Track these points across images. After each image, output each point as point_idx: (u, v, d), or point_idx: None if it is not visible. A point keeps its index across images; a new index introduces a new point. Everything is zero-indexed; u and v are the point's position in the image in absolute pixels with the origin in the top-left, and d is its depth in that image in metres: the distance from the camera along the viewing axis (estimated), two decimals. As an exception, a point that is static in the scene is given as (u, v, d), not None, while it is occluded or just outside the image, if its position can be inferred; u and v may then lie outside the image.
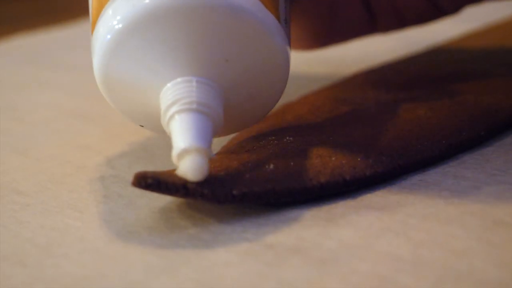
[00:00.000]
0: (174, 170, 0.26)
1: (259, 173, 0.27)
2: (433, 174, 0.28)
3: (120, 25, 0.26)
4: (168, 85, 0.27)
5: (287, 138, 0.30)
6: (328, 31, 0.35)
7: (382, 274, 0.23)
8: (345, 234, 0.25)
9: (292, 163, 0.28)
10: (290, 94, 0.34)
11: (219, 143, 0.32)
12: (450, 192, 0.27)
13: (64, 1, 0.69)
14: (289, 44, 0.28)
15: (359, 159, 0.28)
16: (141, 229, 0.26)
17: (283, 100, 0.31)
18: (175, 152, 0.25)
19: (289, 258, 0.24)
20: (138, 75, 0.27)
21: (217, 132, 0.26)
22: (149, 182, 0.26)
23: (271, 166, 0.27)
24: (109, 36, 0.27)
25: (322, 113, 0.33)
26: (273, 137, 0.30)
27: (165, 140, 0.33)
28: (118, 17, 0.26)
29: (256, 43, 0.27)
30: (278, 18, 0.27)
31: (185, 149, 0.25)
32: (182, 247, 0.25)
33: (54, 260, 0.25)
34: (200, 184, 0.26)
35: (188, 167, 0.25)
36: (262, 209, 0.27)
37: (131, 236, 0.26)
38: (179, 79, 0.26)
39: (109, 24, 0.27)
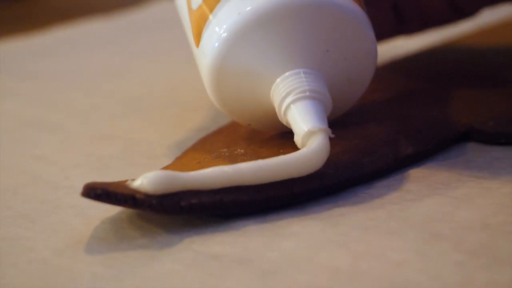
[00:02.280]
0: (125, 181, 0.27)
1: (208, 185, 0.28)
2: (378, 187, 0.29)
3: (226, 33, 0.29)
4: (278, 80, 0.29)
5: (238, 150, 0.31)
6: None
7: (320, 286, 0.23)
8: (288, 245, 0.25)
9: (240, 176, 0.28)
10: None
11: (174, 154, 0.32)
12: (393, 205, 0.27)
13: (27, 10, 0.69)
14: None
15: (307, 172, 0.29)
16: (90, 239, 0.27)
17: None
18: (299, 136, 0.28)
19: (233, 269, 0.24)
20: (247, 76, 0.29)
21: (328, 114, 0.29)
22: (98, 192, 0.26)
23: (220, 178, 0.28)
24: (217, 44, 0.29)
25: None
26: (225, 149, 0.31)
27: (121, 151, 0.34)
28: (225, 26, 0.29)
29: (351, 33, 0.29)
30: (364, 10, 0.30)
31: (310, 130, 0.27)
32: (129, 257, 0.26)
33: (1, 270, 0.25)
34: (148, 195, 0.26)
35: (317, 146, 0.27)
36: (210, 220, 0.27)
37: (80, 246, 0.26)
38: (287, 73, 0.29)
39: (216, 33, 0.29)
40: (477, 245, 0.24)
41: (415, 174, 0.30)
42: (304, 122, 0.28)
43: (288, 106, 0.28)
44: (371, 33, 0.30)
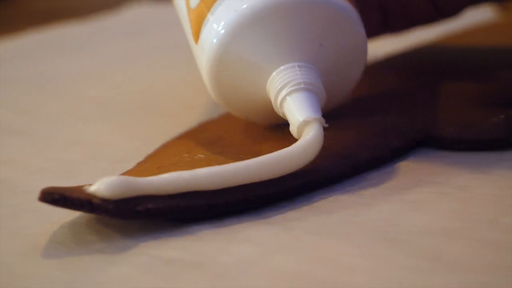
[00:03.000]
0: (83, 186, 0.27)
1: (165, 190, 0.28)
2: (335, 192, 0.29)
3: (224, 30, 0.30)
4: (274, 73, 0.30)
5: (199, 155, 0.31)
6: None
7: (270, 290, 0.24)
8: (243, 250, 0.26)
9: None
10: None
11: (141, 159, 0.32)
12: (347, 209, 0.28)
13: (1, 13, 0.70)
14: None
15: (265, 177, 0.29)
16: (49, 243, 0.27)
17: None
18: (294, 126, 0.29)
19: (186, 274, 0.25)
20: (244, 71, 0.31)
21: (322, 105, 0.30)
22: (55, 197, 0.27)
23: (178, 183, 0.28)
24: (215, 40, 0.30)
25: (237, 131, 0.34)
26: (186, 154, 0.31)
27: (89, 155, 0.34)
28: (222, 23, 0.30)
29: (342, 29, 0.31)
30: (355, 8, 0.32)
31: (305, 120, 0.29)
32: (85, 261, 0.26)
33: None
34: (104, 199, 0.26)
35: (312, 135, 0.28)
36: (167, 224, 0.27)
37: (37, 250, 0.27)
38: (282, 67, 0.30)
39: (214, 30, 0.30)
40: (427, 250, 0.25)
41: (372, 178, 0.30)
42: (299, 112, 0.29)
43: (284, 98, 0.30)
44: (361, 30, 0.31)
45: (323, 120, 0.29)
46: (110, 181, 0.27)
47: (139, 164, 0.32)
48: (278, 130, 0.33)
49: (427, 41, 0.45)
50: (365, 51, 0.32)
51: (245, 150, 0.32)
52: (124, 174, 0.30)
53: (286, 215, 0.28)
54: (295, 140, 0.32)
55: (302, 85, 0.30)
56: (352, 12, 0.31)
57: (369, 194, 0.29)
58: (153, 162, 0.31)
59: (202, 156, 0.31)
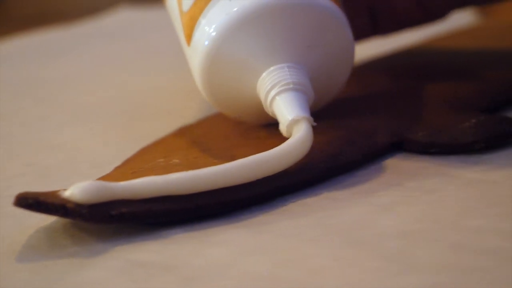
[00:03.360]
0: (58, 191, 0.28)
1: (139, 194, 0.28)
2: (308, 195, 0.30)
3: (215, 32, 0.31)
4: (264, 74, 0.31)
5: (175, 160, 0.32)
6: None
7: (239, 292, 0.24)
8: (215, 253, 0.26)
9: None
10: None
11: (118, 163, 0.33)
12: (318, 212, 0.28)
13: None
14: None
15: (238, 181, 0.29)
16: (24, 248, 0.27)
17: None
18: (284, 125, 0.30)
19: (158, 276, 0.25)
20: (235, 72, 0.32)
21: (310, 105, 0.31)
22: (30, 202, 0.27)
23: (152, 187, 0.29)
24: (206, 42, 0.31)
25: (215, 136, 0.34)
26: (161, 159, 0.32)
27: (66, 160, 0.35)
28: (214, 26, 0.31)
29: (330, 31, 0.32)
30: (342, 10, 0.33)
31: (294, 119, 0.30)
32: (58, 265, 0.26)
33: None
34: (78, 204, 0.27)
35: (301, 134, 0.29)
36: (141, 228, 0.28)
37: (12, 255, 0.27)
38: (272, 68, 0.31)
39: (206, 33, 0.31)
40: (395, 252, 0.25)
41: (346, 182, 0.31)
42: (288, 111, 0.30)
43: (273, 98, 0.31)
44: (348, 31, 0.32)
45: (311, 119, 0.30)
46: (84, 186, 0.27)
47: (116, 168, 0.32)
48: (255, 136, 0.34)
49: (411, 44, 0.46)
50: (352, 53, 0.33)
51: (221, 155, 0.32)
52: (100, 178, 0.31)
53: (259, 219, 0.28)
54: (273, 145, 0.33)
55: (291, 85, 0.31)
56: (340, 15, 0.32)
57: (340, 198, 0.29)
58: (129, 167, 0.32)
59: (177, 161, 0.32)
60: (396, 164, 0.32)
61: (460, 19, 0.52)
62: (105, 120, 0.40)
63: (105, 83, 0.47)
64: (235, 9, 0.31)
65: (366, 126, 0.34)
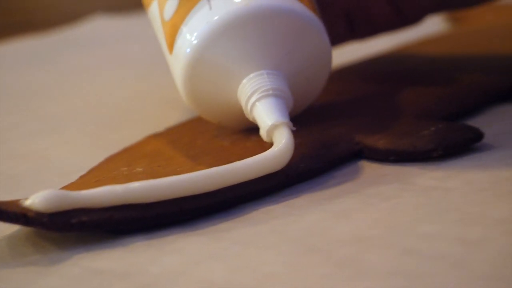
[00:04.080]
0: (19, 200, 0.28)
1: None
2: (268, 203, 0.30)
3: (197, 40, 0.32)
4: (244, 81, 0.32)
5: (138, 169, 0.32)
6: None
7: (193, 298, 0.24)
8: (172, 260, 0.27)
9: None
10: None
11: (81, 173, 0.33)
12: (276, 220, 0.29)
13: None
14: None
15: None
16: (-16, 256, 0.28)
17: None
18: (264, 130, 0.31)
19: (115, 284, 0.26)
20: (216, 78, 0.33)
21: (289, 110, 0.32)
22: (-9, 211, 0.27)
23: (113, 196, 0.29)
24: (188, 49, 0.32)
25: (180, 144, 0.35)
26: (125, 168, 0.32)
27: (34, 169, 0.35)
28: (195, 34, 0.32)
29: (307, 38, 0.33)
30: (319, 17, 0.34)
31: (273, 124, 0.31)
32: (18, 273, 0.27)
33: None
34: (39, 213, 0.27)
35: (282, 139, 0.30)
36: (102, 236, 0.28)
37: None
38: (251, 75, 0.32)
39: (187, 41, 0.32)
40: (346, 258, 0.26)
41: (305, 190, 0.31)
42: (268, 117, 0.31)
43: (253, 104, 0.31)
44: (325, 38, 0.33)
45: (290, 123, 0.31)
46: (44, 194, 0.28)
47: (81, 177, 0.33)
48: (219, 144, 0.34)
49: (381, 51, 0.46)
50: (329, 59, 0.34)
51: (185, 163, 0.33)
52: (64, 187, 0.31)
53: (218, 226, 0.29)
54: (236, 154, 0.33)
55: (271, 91, 0.31)
56: (317, 22, 0.33)
57: (298, 205, 0.30)
58: (93, 176, 0.32)
59: (141, 169, 0.32)
60: (356, 171, 0.32)
61: (430, 27, 0.53)
62: (76, 128, 0.40)
63: (78, 92, 0.47)
64: (216, 17, 0.32)
65: (328, 134, 0.34)
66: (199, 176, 0.29)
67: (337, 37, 0.39)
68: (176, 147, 0.35)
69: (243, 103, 0.32)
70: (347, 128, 0.35)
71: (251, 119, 0.32)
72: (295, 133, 0.34)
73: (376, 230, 0.27)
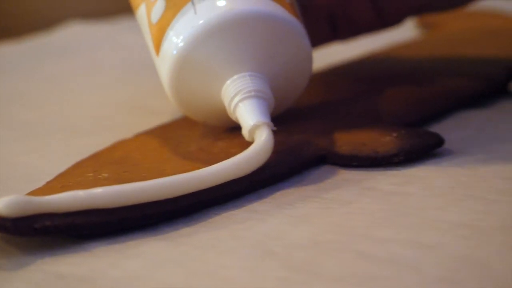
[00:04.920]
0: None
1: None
2: (230, 208, 0.31)
3: (183, 43, 0.33)
4: (228, 82, 0.33)
5: (103, 174, 0.33)
6: None
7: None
8: (133, 264, 0.27)
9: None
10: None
11: (49, 178, 0.34)
12: (237, 224, 0.29)
13: None
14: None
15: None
16: (-50, 261, 0.28)
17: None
18: (246, 130, 0.32)
19: None
20: (201, 80, 0.34)
21: (271, 111, 0.33)
22: (-45, 217, 0.28)
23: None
24: (174, 52, 0.33)
25: (148, 151, 0.35)
26: (91, 174, 0.33)
27: (2, 175, 0.35)
28: (181, 37, 0.33)
29: (288, 41, 0.34)
30: (300, 21, 0.35)
31: (255, 124, 0.32)
32: (-19, 278, 0.27)
33: None
34: (2, 217, 0.28)
35: (262, 139, 0.32)
36: (65, 241, 0.29)
37: None
38: (235, 76, 0.33)
39: (173, 43, 0.34)
40: (303, 262, 0.26)
41: (268, 195, 0.32)
42: (250, 117, 0.32)
43: (236, 105, 0.33)
44: (306, 41, 0.35)
45: (271, 124, 0.32)
46: (8, 200, 0.28)
47: (47, 183, 0.33)
48: (186, 150, 0.35)
49: (352, 57, 0.47)
50: (310, 61, 0.35)
51: (151, 169, 0.33)
52: (30, 193, 0.32)
53: (180, 231, 0.29)
54: (203, 160, 0.34)
55: (253, 93, 0.33)
56: (297, 26, 0.34)
57: (260, 210, 0.30)
58: (59, 181, 0.32)
59: (106, 175, 0.32)
60: (319, 176, 0.33)
61: (402, 33, 0.54)
62: (47, 135, 0.41)
63: (51, 98, 0.47)
64: (201, 21, 0.33)
65: (293, 140, 0.35)
66: (161, 182, 0.30)
67: (320, 39, 0.41)
68: (143, 152, 0.35)
69: (226, 104, 0.33)
70: (312, 134, 0.35)
71: (234, 119, 0.33)
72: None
73: (333, 234, 0.28)
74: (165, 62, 0.34)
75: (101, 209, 0.29)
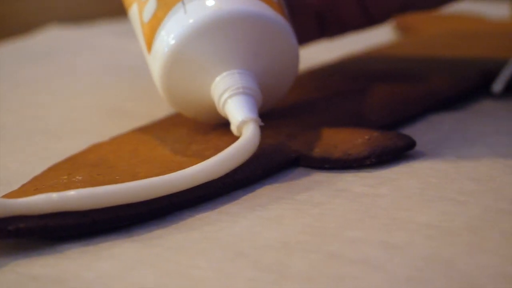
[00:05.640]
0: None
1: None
2: (203, 210, 0.31)
3: (174, 41, 0.34)
4: (217, 79, 0.34)
5: (77, 177, 0.33)
6: None
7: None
8: (105, 266, 0.27)
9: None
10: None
11: (24, 181, 0.34)
12: (210, 226, 0.30)
13: None
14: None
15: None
16: None
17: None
18: (234, 125, 0.33)
19: (48, 289, 0.26)
20: (191, 77, 0.35)
21: (259, 107, 0.34)
22: None
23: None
24: (166, 49, 0.35)
25: (123, 153, 0.36)
26: (65, 176, 0.33)
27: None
28: (172, 35, 0.34)
29: (275, 39, 0.35)
30: (286, 19, 0.36)
31: (243, 120, 0.33)
32: (-46, 280, 0.27)
33: None
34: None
35: (249, 133, 0.32)
36: (39, 243, 0.29)
37: None
38: (224, 73, 0.34)
39: (165, 41, 0.35)
40: (273, 262, 0.27)
41: (241, 197, 0.32)
42: (238, 113, 0.33)
43: (225, 101, 0.34)
44: (293, 39, 0.36)
45: (259, 119, 0.33)
46: (-19, 203, 0.28)
47: (22, 186, 0.33)
48: (161, 153, 0.35)
49: (330, 60, 0.48)
50: (297, 59, 0.36)
51: (125, 171, 0.34)
52: (4, 196, 0.32)
53: (152, 233, 0.30)
54: (176, 163, 0.34)
55: (241, 90, 0.34)
56: (284, 24, 0.35)
57: (232, 212, 0.31)
58: (33, 184, 0.33)
59: (80, 178, 0.33)
60: (291, 178, 0.33)
61: (379, 36, 0.54)
62: (23, 138, 0.41)
63: (28, 102, 0.48)
64: (191, 21, 0.34)
65: (267, 143, 0.35)
66: (133, 185, 0.30)
67: (308, 37, 0.42)
68: (119, 155, 0.36)
69: (215, 100, 0.34)
70: (285, 136, 0.36)
71: (223, 115, 0.34)
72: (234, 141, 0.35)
73: (304, 235, 0.28)
74: (156, 60, 0.35)
75: (74, 211, 0.29)
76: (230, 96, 0.34)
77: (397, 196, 0.31)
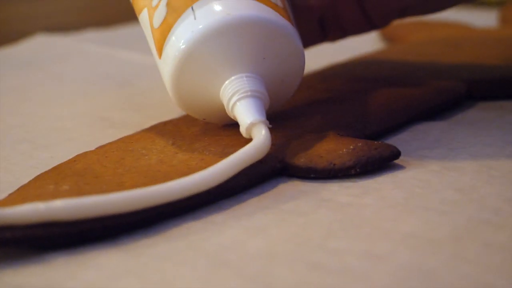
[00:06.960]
0: None
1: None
2: (189, 220, 0.31)
3: (184, 46, 0.35)
4: (226, 82, 0.35)
5: (64, 187, 0.33)
6: None
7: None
8: (90, 275, 0.28)
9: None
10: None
11: (11, 191, 0.34)
12: (195, 235, 0.30)
13: None
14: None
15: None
16: None
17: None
18: (243, 128, 0.34)
19: (34, 298, 0.27)
20: (201, 80, 0.36)
21: (266, 109, 0.35)
22: None
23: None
24: (177, 54, 0.36)
25: (109, 163, 0.36)
26: (52, 186, 0.33)
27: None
28: (182, 40, 0.35)
29: (282, 44, 0.36)
30: (293, 24, 0.37)
31: (252, 122, 0.34)
32: None
33: None
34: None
35: (259, 136, 0.34)
36: (26, 252, 0.29)
37: None
38: (232, 77, 0.35)
39: (175, 46, 0.36)
40: (257, 272, 0.27)
41: (226, 206, 0.32)
42: (247, 116, 0.34)
43: (234, 104, 0.35)
44: (299, 44, 0.37)
45: (267, 122, 0.34)
46: (-33, 212, 0.28)
47: (9, 195, 0.33)
48: (146, 163, 0.35)
49: (317, 68, 0.48)
50: (302, 63, 0.37)
51: (111, 181, 0.34)
52: (-10, 205, 0.32)
53: (138, 242, 0.30)
54: (161, 172, 0.34)
55: (249, 93, 0.35)
56: (290, 29, 0.36)
57: (218, 221, 0.31)
58: (20, 194, 0.33)
59: (67, 187, 0.33)
60: (277, 188, 0.34)
61: (364, 46, 0.55)
62: (9, 147, 0.41)
63: (15, 111, 0.48)
64: (200, 26, 0.35)
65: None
66: (122, 196, 0.30)
67: (311, 40, 0.44)
68: (105, 165, 0.36)
69: (225, 103, 0.35)
70: (272, 146, 0.36)
71: (232, 117, 0.35)
72: (222, 151, 0.35)
73: (288, 245, 0.29)
74: (167, 64, 0.36)
75: (61, 221, 0.29)
76: (239, 99, 0.35)
77: (381, 206, 0.32)
